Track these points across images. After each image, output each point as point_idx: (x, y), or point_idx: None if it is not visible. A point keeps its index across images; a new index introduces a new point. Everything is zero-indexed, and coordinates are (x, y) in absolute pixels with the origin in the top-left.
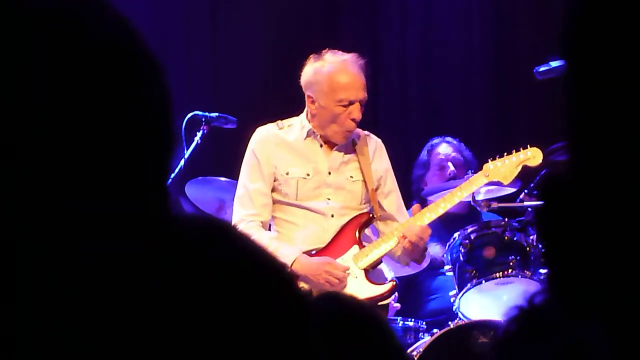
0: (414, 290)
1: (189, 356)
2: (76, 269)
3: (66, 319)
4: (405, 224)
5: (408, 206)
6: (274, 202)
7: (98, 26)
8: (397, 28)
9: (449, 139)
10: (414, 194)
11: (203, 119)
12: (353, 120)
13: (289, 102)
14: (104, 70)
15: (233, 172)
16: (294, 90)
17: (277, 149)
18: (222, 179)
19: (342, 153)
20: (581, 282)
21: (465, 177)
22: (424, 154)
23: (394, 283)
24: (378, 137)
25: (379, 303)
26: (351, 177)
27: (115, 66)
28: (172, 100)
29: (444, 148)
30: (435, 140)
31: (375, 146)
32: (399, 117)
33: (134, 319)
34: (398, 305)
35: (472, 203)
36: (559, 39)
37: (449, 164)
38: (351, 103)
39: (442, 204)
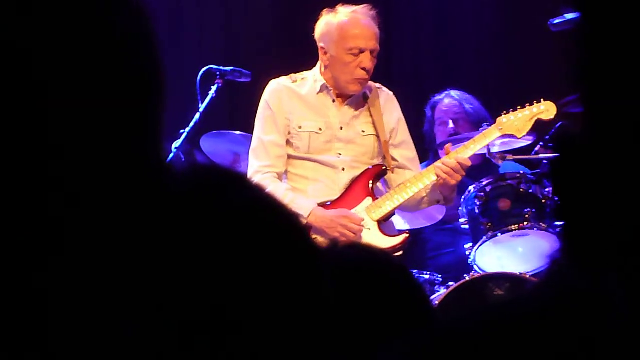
0: (423, 244)
1: (201, 297)
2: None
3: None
4: (438, 162)
5: (422, 160)
6: (287, 156)
7: None
8: None
9: (453, 93)
10: (426, 151)
11: (217, 73)
12: (364, 69)
13: (303, 55)
14: (83, 16)
15: (247, 126)
16: (308, 43)
17: (291, 102)
18: (237, 132)
19: (354, 107)
20: (596, 235)
21: (480, 129)
22: (428, 111)
23: (407, 235)
24: (391, 90)
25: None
26: (363, 131)
27: (95, 14)
28: (159, 49)
29: (445, 104)
30: (438, 97)
31: (386, 98)
32: (412, 70)
33: (150, 259)
34: None
35: (487, 156)
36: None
37: (450, 121)
38: (361, 51)
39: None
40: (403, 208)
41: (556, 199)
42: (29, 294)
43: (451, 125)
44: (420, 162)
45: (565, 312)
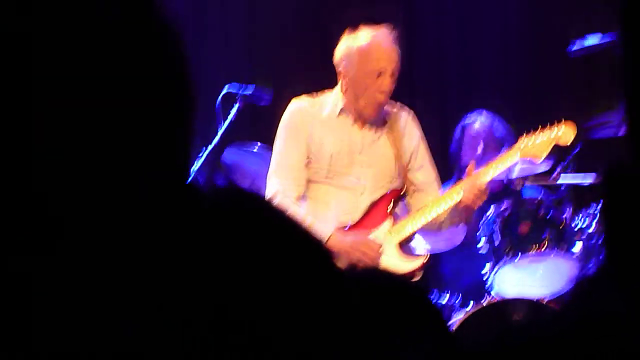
0: (443, 266)
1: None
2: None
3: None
4: (460, 184)
5: (445, 179)
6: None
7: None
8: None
9: (484, 116)
10: (450, 169)
11: (238, 94)
12: (383, 92)
13: (325, 75)
14: (116, 36)
15: (268, 144)
16: (330, 62)
17: (311, 124)
18: (256, 150)
19: (374, 130)
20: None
21: (499, 153)
22: (458, 131)
23: (426, 258)
24: (414, 109)
25: (412, 279)
26: (382, 154)
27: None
28: (189, 66)
29: (476, 127)
30: (468, 119)
31: (406, 119)
32: (435, 90)
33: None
34: None
35: (505, 182)
36: (620, 12)
37: (479, 147)
38: (380, 74)
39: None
40: (423, 231)
41: (602, 236)
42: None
43: (479, 151)
44: (443, 181)
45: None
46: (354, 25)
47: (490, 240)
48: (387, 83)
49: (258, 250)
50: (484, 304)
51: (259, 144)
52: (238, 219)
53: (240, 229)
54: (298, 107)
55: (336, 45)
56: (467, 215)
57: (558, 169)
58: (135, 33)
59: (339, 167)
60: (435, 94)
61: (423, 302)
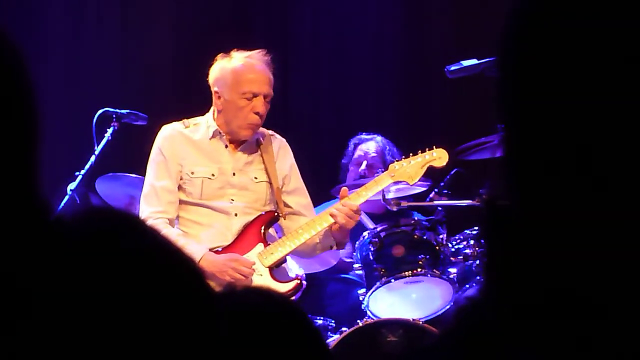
0: (316, 291)
1: (95, 345)
2: None
3: None
4: (332, 207)
5: (323, 200)
6: (179, 201)
7: None
8: (310, 25)
9: (379, 139)
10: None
11: (114, 115)
12: (257, 113)
13: (198, 101)
14: None
15: (143, 169)
16: (203, 88)
17: (183, 147)
18: (132, 175)
19: (247, 154)
20: (522, 308)
21: (372, 176)
22: (351, 145)
23: (299, 281)
24: (288, 134)
25: None
26: (255, 177)
27: None
28: (33, 88)
29: (366, 146)
30: (364, 136)
31: (279, 145)
32: (309, 115)
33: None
34: None
35: (382, 202)
36: (499, 42)
37: (364, 163)
38: (255, 96)
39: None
40: (297, 254)
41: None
42: None
43: (363, 167)
44: (322, 203)
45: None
46: (227, 51)
47: (365, 262)
48: (260, 104)
49: (130, 273)
50: (361, 324)
51: (132, 175)
52: (110, 241)
53: (112, 251)
54: (170, 131)
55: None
56: (341, 238)
57: (434, 191)
58: None
59: (213, 190)
60: (308, 123)
61: (300, 320)
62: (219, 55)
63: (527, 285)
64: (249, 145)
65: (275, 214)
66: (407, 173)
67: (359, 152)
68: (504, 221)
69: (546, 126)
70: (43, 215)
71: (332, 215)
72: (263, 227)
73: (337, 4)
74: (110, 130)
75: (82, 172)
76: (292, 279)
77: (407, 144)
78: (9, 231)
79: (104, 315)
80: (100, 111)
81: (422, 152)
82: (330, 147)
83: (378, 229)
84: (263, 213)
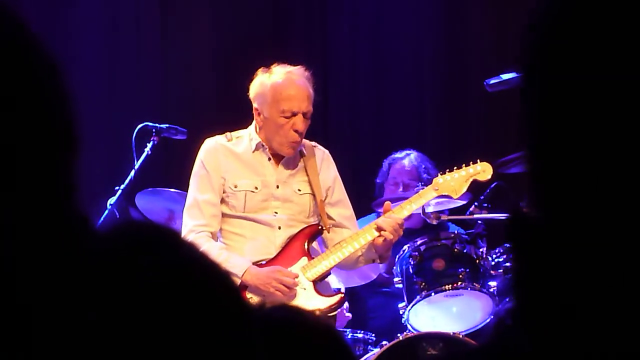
0: (357, 305)
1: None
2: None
3: None
4: (377, 220)
5: (363, 213)
6: (222, 214)
7: None
8: (348, 39)
9: (413, 156)
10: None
11: (153, 130)
12: (296, 131)
13: (239, 114)
14: None
15: (183, 183)
16: (244, 101)
17: (226, 161)
18: (172, 190)
19: (290, 166)
20: (544, 308)
21: (415, 189)
22: (385, 165)
23: (342, 295)
24: (328, 147)
25: (328, 315)
26: (299, 190)
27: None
28: (72, 100)
29: (401, 166)
30: (398, 155)
31: (322, 157)
32: (349, 128)
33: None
34: (349, 315)
35: (422, 215)
36: (520, 53)
37: (401, 183)
38: (294, 114)
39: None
40: (339, 267)
41: (512, 281)
42: None
43: (401, 189)
44: (362, 216)
45: None
46: (268, 66)
47: (405, 276)
48: (300, 122)
49: (165, 288)
50: (401, 338)
51: (172, 190)
52: (146, 255)
53: (148, 266)
54: (213, 145)
55: (249, 85)
56: (384, 252)
57: (475, 205)
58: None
59: (256, 203)
60: (348, 137)
61: (332, 338)
62: (259, 69)
63: (554, 303)
64: (292, 157)
65: (319, 227)
66: (451, 187)
67: (394, 172)
68: (532, 237)
69: (576, 141)
70: (81, 228)
71: (378, 228)
72: (307, 241)
73: (376, 17)
74: (150, 145)
75: (122, 186)
76: (336, 293)
77: (446, 158)
78: (45, 243)
79: (129, 328)
80: (140, 126)
81: (465, 166)
82: (370, 161)
83: (418, 242)
84: (306, 226)
